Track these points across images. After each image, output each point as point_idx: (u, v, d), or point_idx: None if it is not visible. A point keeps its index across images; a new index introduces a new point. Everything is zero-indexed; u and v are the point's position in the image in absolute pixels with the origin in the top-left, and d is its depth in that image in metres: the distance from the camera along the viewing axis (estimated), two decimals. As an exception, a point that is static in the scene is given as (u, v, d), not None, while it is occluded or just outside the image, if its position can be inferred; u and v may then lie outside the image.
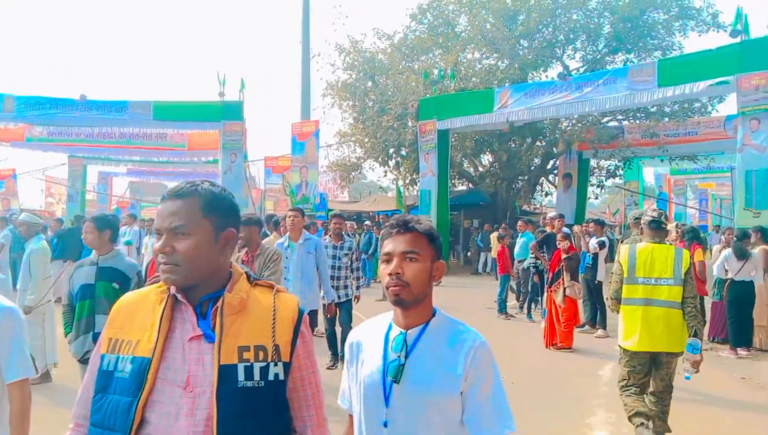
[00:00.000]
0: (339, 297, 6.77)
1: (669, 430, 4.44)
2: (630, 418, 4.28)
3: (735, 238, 8.58)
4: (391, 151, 21.80)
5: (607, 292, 8.55)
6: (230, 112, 17.90)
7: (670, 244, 4.70)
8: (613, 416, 5.54)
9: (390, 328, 1.80)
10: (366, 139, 21.55)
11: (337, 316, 6.84)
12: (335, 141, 24.81)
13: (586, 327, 9.47)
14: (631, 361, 4.37)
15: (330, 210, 20.83)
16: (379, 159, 22.29)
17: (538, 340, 8.66)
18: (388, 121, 19.81)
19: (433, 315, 1.79)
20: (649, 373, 4.39)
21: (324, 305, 6.68)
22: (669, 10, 18.91)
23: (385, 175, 24.83)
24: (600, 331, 9.23)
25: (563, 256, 8.29)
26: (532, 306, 10.81)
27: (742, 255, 7.95)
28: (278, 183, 22.93)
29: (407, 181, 22.58)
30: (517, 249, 11.30)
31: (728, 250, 8.24)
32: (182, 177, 34.08)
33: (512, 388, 6.49)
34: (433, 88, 18.26)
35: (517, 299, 11.59)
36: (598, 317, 9.44)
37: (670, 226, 6.39)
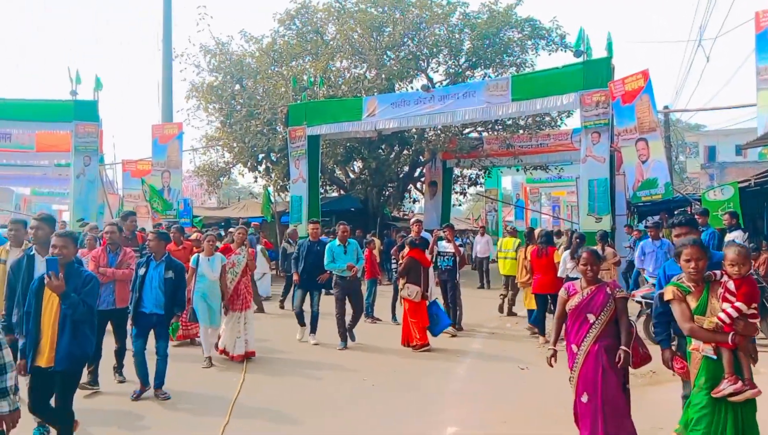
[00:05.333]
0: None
1: None
2: None
3: (576, 240, 9.43)
4: (261, 156, 21.46)
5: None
6: (83, 112, 16.71)
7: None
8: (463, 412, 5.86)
9: None
10: (234, 144, 21.04)
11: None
12: (201, 145, 24.01)
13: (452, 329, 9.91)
14: None
15: (196, 216, 20.12)
16: (249, 164, 21.86)
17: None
18: (257, 125, 19.50)
19: None
20: None
21: None
22: (522, 30, 20.25)
23: (256, 181, 24.41)
24: (451, 329, 9.65)
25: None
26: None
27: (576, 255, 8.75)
28: (138, 188, 21.73)
29: (278, 187, 22.34)
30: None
31: (566, 253, 9.06)
32: (32, 181, 31.31)
33: (372, 389, 6.66)
34: (302, 95, 18.23)
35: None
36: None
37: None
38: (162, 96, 22.60)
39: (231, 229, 12.16)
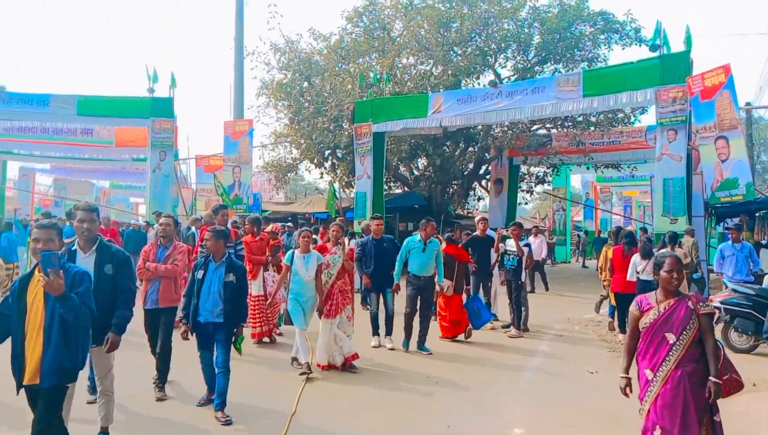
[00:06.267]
0: None
1: None
2: None
3: (645, 240, 9.13)
4: (327, 152, 21.74)
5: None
6: (160, 109, 17.42)
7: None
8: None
9: None
10: (302, 141, 21.40)
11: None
12: (270, 141, 24.54)
13: (510, 328, 9.77)
14: None
15: (264, 211, 20.63)
16: (315, 160, 22.18)
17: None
18: (324, 122, 19.75)
19: None
20: None
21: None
22: (595, 24, 19.65)
23: (321, 177, 24.76)
24: (513, 331, 9.56)
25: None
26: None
27: (647, 254, 8.46)
28: (210, 183, 22.46)
29: (343, 184, 22.58)
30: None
31: (637, 255, 8.80)
32: (110, 174, 32.94)
33: (436, 387, 6.62)
34: (368, 92, 18.34)
35: None
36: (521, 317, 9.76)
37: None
38: (234, 93, 23.25)
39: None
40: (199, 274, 5.51)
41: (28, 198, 29.28)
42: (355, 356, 7.21)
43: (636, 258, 8.78)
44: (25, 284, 3.72)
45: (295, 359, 7.19)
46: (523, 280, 9.79)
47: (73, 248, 4.54)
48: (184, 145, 30.99)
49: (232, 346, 5.52)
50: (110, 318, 4.31)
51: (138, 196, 37.86)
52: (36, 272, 3.65)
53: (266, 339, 8.56)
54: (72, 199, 27.71)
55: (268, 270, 8.74)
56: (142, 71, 18.87)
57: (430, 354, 8.06)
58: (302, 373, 6.77)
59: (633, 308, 3.95)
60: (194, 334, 5.53)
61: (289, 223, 20.73)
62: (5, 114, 17.72)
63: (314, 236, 8.90)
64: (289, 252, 7.15)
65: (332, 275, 7.31)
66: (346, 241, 10.03)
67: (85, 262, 4.36)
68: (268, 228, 10.28)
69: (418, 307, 8.40)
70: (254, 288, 8.38)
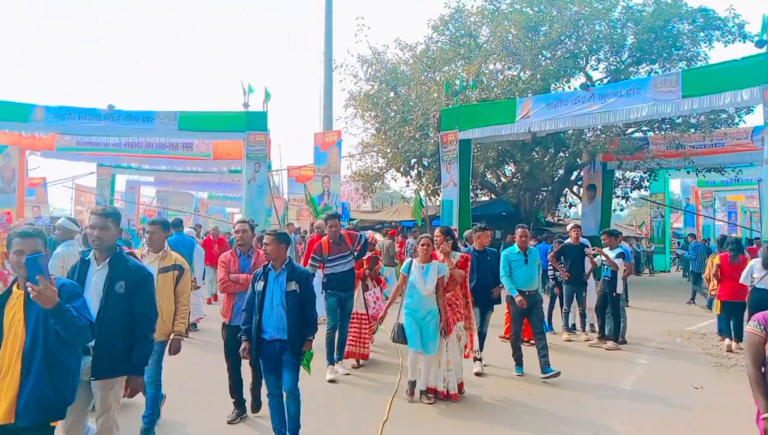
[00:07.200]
0: None
1: None
2: None
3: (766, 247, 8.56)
4: (413, 161, 21.84)
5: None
6: (254, 122, 18.12)
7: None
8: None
9: None
10: (388, 150, 21.63)
11: None
12: (357, 151, 24.97)
13: (595, 340, 9.54)
14: None
15: (352, 219, 21.01)
16: (401, 169, 22.34)
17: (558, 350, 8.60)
18: (410, 131, 19.87)
19: None
20: None
21: None
22: (694, 21, 18.68)
23: (408, 186, 24.89)
24: (610, 343, 9.21)
25: None
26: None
27: (768, 264, 7.92)
28: (301, 193, 23.13)
29: (429, 192, 22.60)
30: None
31: (756, 260, 8.27)
32: (208, 186, 34.67)
33: (530, 399, 6.47)
34: (454, 99, 18.28)
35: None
36: (613, 329, 9.38)
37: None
38: (323, 105, 23.86)
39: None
40: (259, 285, 4.81)
41: (134, 209, 31.27)
42: (461, 386, 6.47)
43: (756, 263, 8.25)
44: (1, 306, 3.09)
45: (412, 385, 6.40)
46: (619, 291, 9.39)
47: (87, 258, 3.89)
48: (276, 157, 32.15)
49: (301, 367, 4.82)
50: (118, 349, 3.64)
51: (234, 206, 39.69)
52: (14, 289, 3.09)
53: (357, 361, 7.80)
54: (173, 210, 29.43)
55: (366, 283, 8.01)
56: (237, 87, 19.65)
57: (559, 373, 7.06)
58: (409, 396, 6.27)
59: (755, 329, 3.19)
60: (260, 355, 4.82)
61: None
62: (115, 130, 19.00)
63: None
64: (407, 261, 6.48)
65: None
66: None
67: (97, 275, 3.77)
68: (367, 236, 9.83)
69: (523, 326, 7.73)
70: (356, 304, 7.75)
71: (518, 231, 7.60)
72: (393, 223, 23.36)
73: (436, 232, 6.81)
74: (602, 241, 9.70)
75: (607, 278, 9.38)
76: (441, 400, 6.19)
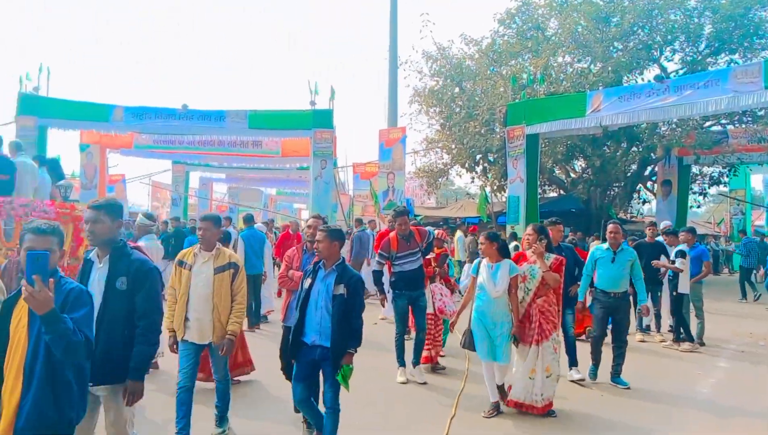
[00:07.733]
0: None
1: None
2: None
3: None
4: (478, 157, 21.64)
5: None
6: (321, 120, 18.42)
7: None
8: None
9: None
10: (453, 145, 21.50)
11: None
12: (422, 147, 24.96)
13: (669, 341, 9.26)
14: None
15: (417, 215, 21.01)
16: (466, 165, 22.17)
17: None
18: (475, 126, 19.68)
19: None
20: None
21: None
22: (779, 7, 17.69)
23: (473, 182, 24.69)
24: (686, 345, 8.93)
25: None
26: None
27: None
28: (366, 189, 23.34)
29: (495, 188, 22.33)
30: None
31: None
32: (277, 183, 35.48)
33: (602, 399, 6.33)
34: (521, 93, 17.97)
35: None
36: (680, 331, 9.10)
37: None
38: (388, 102, 23.98)
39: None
40: (306, 283, 4.43)
41: (207, 205, 32.39)
42: (549, 405, 5.68)
43: None
44: (9, 308, 2.81)
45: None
46: (682, 290, 9.01)
47: (89, 257, 3.58)
48: (342, 153, 32.53)
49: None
50: (118, 351, 3.32)
51: (301, 202, 40.48)
52: (23, 290, 2.53)
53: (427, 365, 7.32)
54: (244, 206, 30.27)
55: (434, 282, 7.57)
56: (304, 85, 20.01)
57: (628, 388, 6.64)
58: (488, 415, 5.61)
59: None
60: (294, 359, 4.41)
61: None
62: (188, 129, 19.76)
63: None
64: (476, 261, 5.96)
65: (530, 290, 5.83)
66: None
67: (98, 274, 3.46)
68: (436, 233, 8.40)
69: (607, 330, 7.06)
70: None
71: (609, 227, 7.07)
72: (458, 220, 23.23)
73: (528, 230, 6.18)
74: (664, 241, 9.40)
75: (669, 278, 9.21)
76: (532, 414, 5.58)
